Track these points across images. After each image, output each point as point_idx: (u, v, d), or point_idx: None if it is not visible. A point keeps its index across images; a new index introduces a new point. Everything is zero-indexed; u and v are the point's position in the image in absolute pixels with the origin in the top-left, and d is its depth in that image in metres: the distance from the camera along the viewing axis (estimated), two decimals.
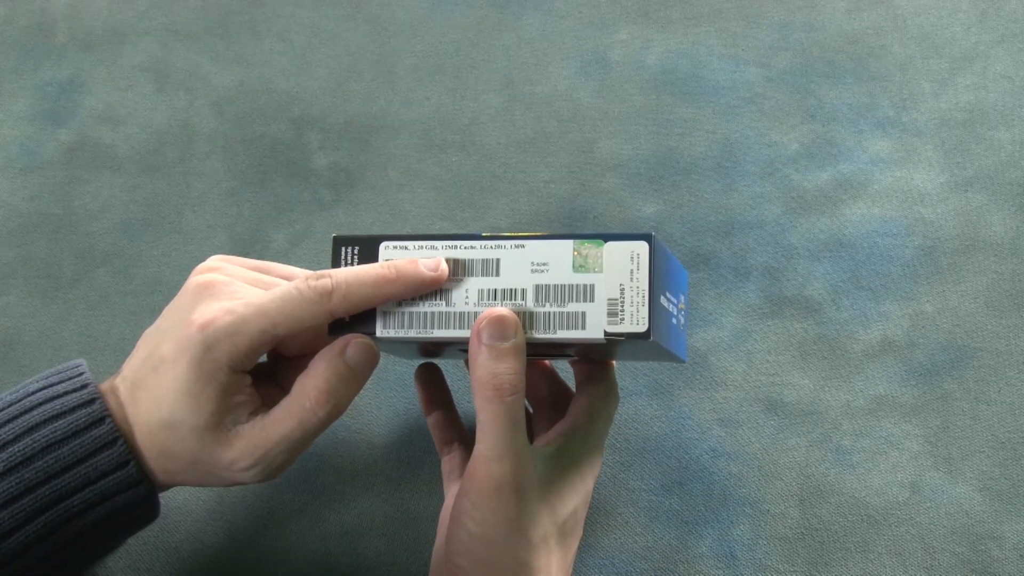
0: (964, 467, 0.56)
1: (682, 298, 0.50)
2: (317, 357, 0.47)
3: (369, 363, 0.47)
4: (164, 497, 0.56)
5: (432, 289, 0.46)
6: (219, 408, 0.45)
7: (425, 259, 0.46)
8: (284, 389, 0.49)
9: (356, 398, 0.58)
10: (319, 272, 0.46)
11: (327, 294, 0.45)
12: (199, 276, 0.48)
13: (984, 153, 0.63)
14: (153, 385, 0.46)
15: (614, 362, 0.53)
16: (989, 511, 0.55)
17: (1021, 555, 0.54)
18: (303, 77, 0.69)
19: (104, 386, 0.48)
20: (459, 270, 0.46)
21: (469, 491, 0.45)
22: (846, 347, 0.59)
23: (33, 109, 0.69)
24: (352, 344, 0.46)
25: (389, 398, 0.59)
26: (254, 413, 0.47)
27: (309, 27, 0.70)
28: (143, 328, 0.62)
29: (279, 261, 0.63)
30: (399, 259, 0.46)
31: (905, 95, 0.65)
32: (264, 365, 0.51)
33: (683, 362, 0.52)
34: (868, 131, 0.64)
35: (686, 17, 0.68)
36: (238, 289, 0.47)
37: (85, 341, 0.61)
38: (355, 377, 0.47)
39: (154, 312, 0.62)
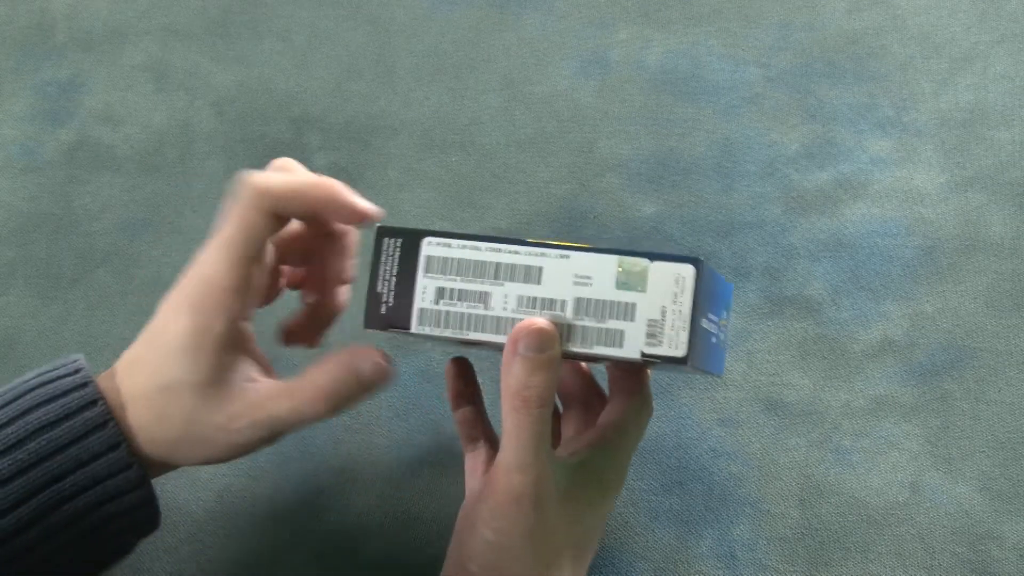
0: (964, 467, 0.56)
1: (725, 314, 0.49)
2: (332, 357, 0.47)
3: (380, 383, 0.47)
4: (164, 497, 0.56)
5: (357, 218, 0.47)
6: (219, 362, 0.46)
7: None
8: None
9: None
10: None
11: (263, 183, 0.46)
12: None
13: (984, 153, 0.63)
14: (151, 354, 0.47)
15: (649, 371, 0.53)
16: (989, 511, 0.55)
17: (1021, 555, 0.54)
18: (303, 77, 0.69)
19: (103, 374, 0.49)
20: (501, 273, 0.45)
21: (488, 499, 0.45)
22: (846, 347, 0.59)
23: (33, 109, 0.69)
24: (371, 363, 0.47)
25: (389, 398, 0.59)
26: (264, 373, 0.48)
27: (309, 27, 0.70)
28: (143, 328, 0.62)
29: None
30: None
31: (905, 95, 0.65)
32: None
33: (719, 376, 0.51)
34: (868, 131, 0.64)
35: (686, 17, 0.68)
36: None
37: (85, 341, 0.61)
38: (363, 391, 0.47)
39: (154, 312, 0.62)
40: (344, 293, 0.52)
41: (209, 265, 0.46)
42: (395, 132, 0.66)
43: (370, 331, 0.47)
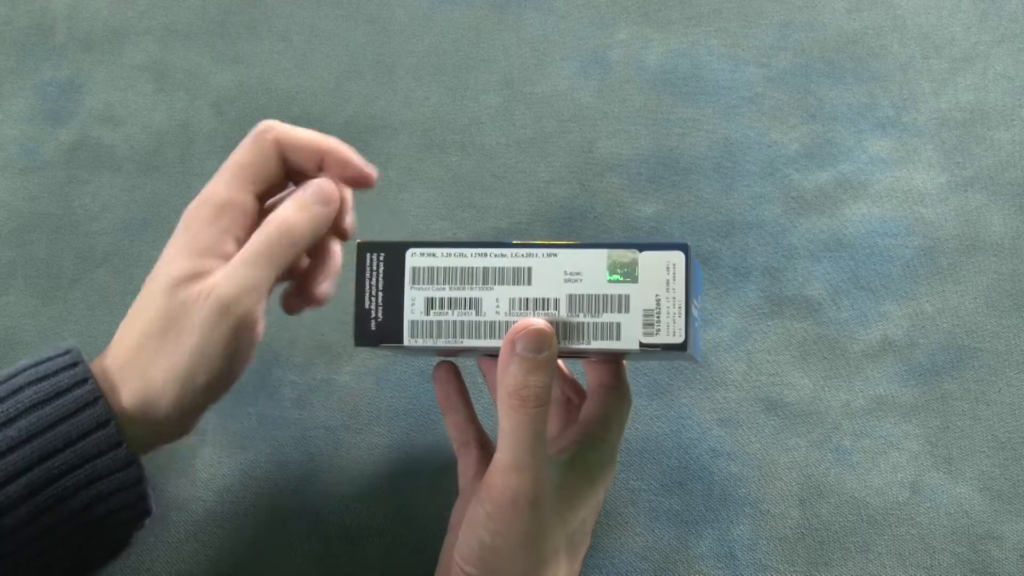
0: (964, 467, 0.56)
1: (700, 299, 0.49)
2: (294, 196, 0.48)
3: (329, 201, 0.48)
4: (164, 497, 0.56)
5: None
6: (200, 263, 0.47)
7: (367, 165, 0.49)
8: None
9: (356, 397, 0.58)
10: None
11: (275, 122, 0.48)
12: None
13: (984, 153, 0.63)
14: (131, 312, 0.47)
15: (625, 363, 0.53)
16: (989, 511, 0.55)
17: (1021, 555, 0.54)
18: (303, 77, 0.69)
19: (96, 358, 0.49)
20: (490, 278, 0.45)
21: (485, 500, 0.45)
22: (846, 347, 0.59)
23: (33, 109, 0.69)
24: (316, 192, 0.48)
25: (389, 398, 0.59)
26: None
27: (309, 27, 0.70)
28: None
29: None
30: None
31: (905, 95, 0.65)
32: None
33: (699, 364, 0.51)
34: (868, 131, 0.64)
35: (686, 17, 0.68)
36: None
37: (85, 341, 0.62)
38: (318, 204, 0.48)
39: None
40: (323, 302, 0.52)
41: (209, 188, 0.48)
42: (395, 132, 0.66)
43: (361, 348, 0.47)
